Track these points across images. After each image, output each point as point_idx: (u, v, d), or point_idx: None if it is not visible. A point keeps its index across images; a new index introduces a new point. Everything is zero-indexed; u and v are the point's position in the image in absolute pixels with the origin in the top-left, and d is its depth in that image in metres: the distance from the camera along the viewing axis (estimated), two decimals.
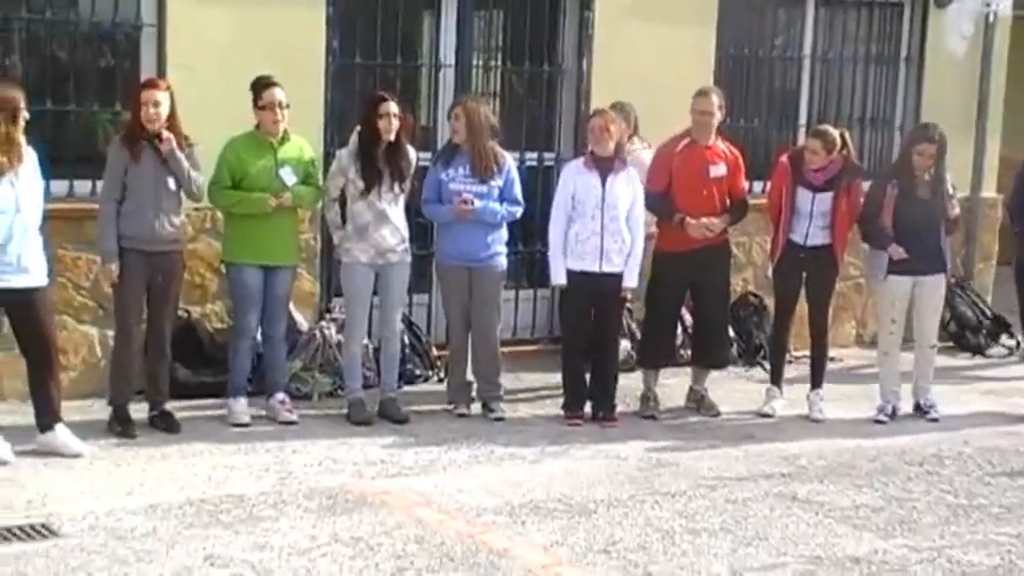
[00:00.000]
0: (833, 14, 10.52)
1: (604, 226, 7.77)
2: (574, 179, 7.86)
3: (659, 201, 8.08)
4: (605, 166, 7.82)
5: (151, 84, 7.28)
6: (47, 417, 6.83)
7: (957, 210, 8.24)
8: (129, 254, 7.20)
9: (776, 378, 8.52)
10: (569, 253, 7.83)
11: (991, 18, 10.69)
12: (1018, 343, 10.53)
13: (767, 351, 9.77)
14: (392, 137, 7.62)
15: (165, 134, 7.15)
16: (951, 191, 8.30)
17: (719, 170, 8.14)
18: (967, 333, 10.63)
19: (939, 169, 8.18)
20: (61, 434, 6.84)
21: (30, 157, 6.68)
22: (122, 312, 7.32)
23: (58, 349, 7.10)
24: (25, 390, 7.01)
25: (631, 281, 7.94)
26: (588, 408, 8.05)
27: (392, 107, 7.60)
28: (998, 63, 10.85)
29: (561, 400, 8.12)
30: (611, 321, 8.06)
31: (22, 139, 6.62)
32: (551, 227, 7.89)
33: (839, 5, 10.50)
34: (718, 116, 8.14)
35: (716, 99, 8.13)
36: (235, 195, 7.51)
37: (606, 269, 7.83)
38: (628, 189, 7.86)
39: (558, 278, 7.89)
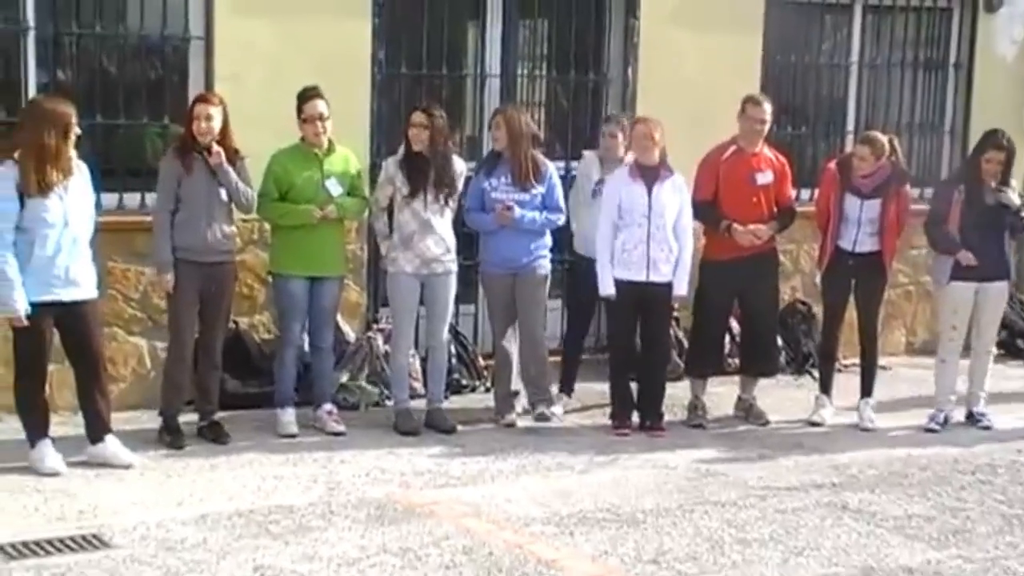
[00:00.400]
0: (881, 20, 10.45)
1: (651, 235, 7.74)
2: (619, 188, 7.84)
3: (706, 209, 8.05)
4: (651, 175, 7.79)
5: (203, 98, 7.33)
6: (97, 429, 6.88)
7: (1015, 199, 8.10)
8: (182, 265, 7.25)
9: (825, 386, 8.45)
10: (616, 263, 7.81)
11: None
12: None
13: (816, 359, 9.73)
14: (420, 147, 7.64)
15: (215, 148, 7.19)
16: (1017, 200, 8.19)
17: (766, 177, 8.10)
18: (1017, 341, 10.51)
19: (1006, 176, 8.10)
20: (111, 445, 6.89)
21: (81, 171, 6.74)
22: (176, 323, 7.36)
23: (106, 361, 7.15)
24: (75, 402, 7.06)
25: (681, 289, 7.90)
26: (636, 418, 8.01)
27: (419, 117, 7.63)
28: None
29: (608, 410, 8.09)
30: (659, 331, 8.02)
31: (73, 153, 6.68)
32: (598, 237, 7.87)
33: (887, 11, 10.42)
34: (767, 126, 8.11)
35: (769, 107, 8.10)
36: (281, 207, 7.55)
37: (653, 278, 7.79)
38: (675, 197, 7.83)
39: (606, 288, 7.86)
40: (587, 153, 8.50)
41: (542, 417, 7.95)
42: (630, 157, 7.98)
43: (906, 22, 10.51)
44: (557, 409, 8.11)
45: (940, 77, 10.69)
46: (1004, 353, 10.20)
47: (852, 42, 10.35)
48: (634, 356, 8.03)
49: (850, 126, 10.35)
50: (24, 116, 6.87)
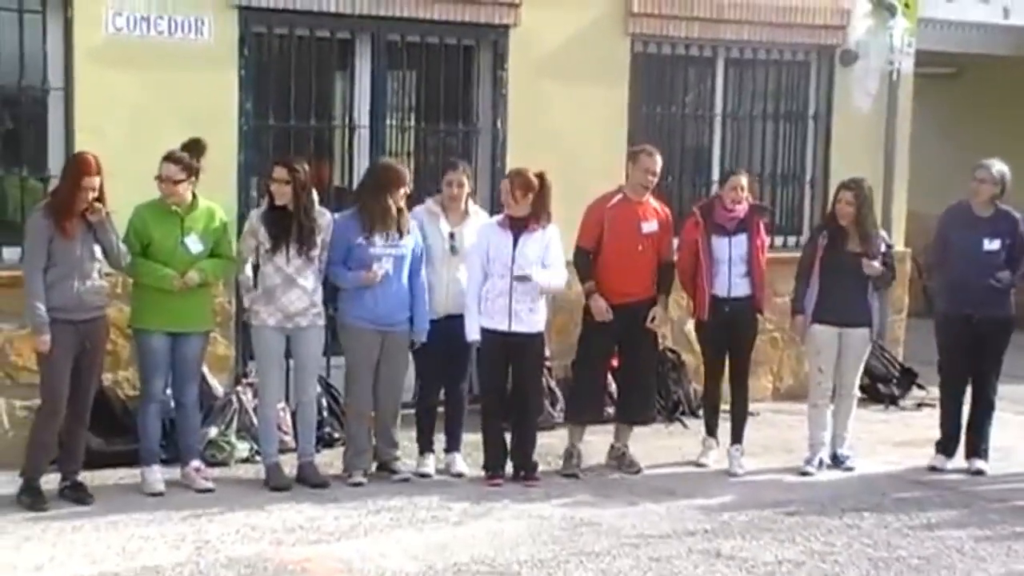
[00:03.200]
0: (743, 72, 10.69)
1: (513, 286, 7.77)
2: (488, 238, 7.86)
3: (584, 259, 8.12)
4: (519, 226, 7.83)
5: (90, 168, 7.01)
6: None
7: (875, 269, 8.30)
8: (56, 325, 7.04)
9: (712, 430, 8.57)
10: (482, 311, 7.82)
11: (895, 76, 10.91)
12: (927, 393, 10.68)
13: (685, 406, 9.86)
14: (282, 202, 7.55)
15: (96, 205, 7.03)
16: (882, 246, 8.40)
17: (651, 227, 8.20)
18: (877, 385, 10.77)
19: (865, 223, 8.30)
20: None
21: None
22: (50, 383, 7.12)
23: None
24: None
25: (538, 277, 7.76)
26: (509, 468, 7.99)
27: (280, 172, 7.54)
28: (903, 119, 11.08)
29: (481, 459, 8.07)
30: (528, 380, 8.03)
31: None
32: (468, 283, 7.87)
33: (748, 63, 10.66)
34: (655, 180, 8.21)
35: (660, 159, 8.21)
36: (142, 266, 7.39)
37: (515, 328, 7.80)
38: (539, 248, 7.83)
39: (472, 334, 7.86)
40: (429, 202, 8.10)
41: (398, 476, 7.86)
42: (473, 207, 7.97)
43: (767, 74, 10.77)
44: (430, 462, 8.05)
45: (800, 128, 10.96)
46: (866, 397, 10.43)
47: (716, 94, 10.57)
48: (506, 405, 8.02)
49: (715, 176, 10.53)
50: None
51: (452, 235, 7.96)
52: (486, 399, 8.05)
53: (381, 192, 7.69)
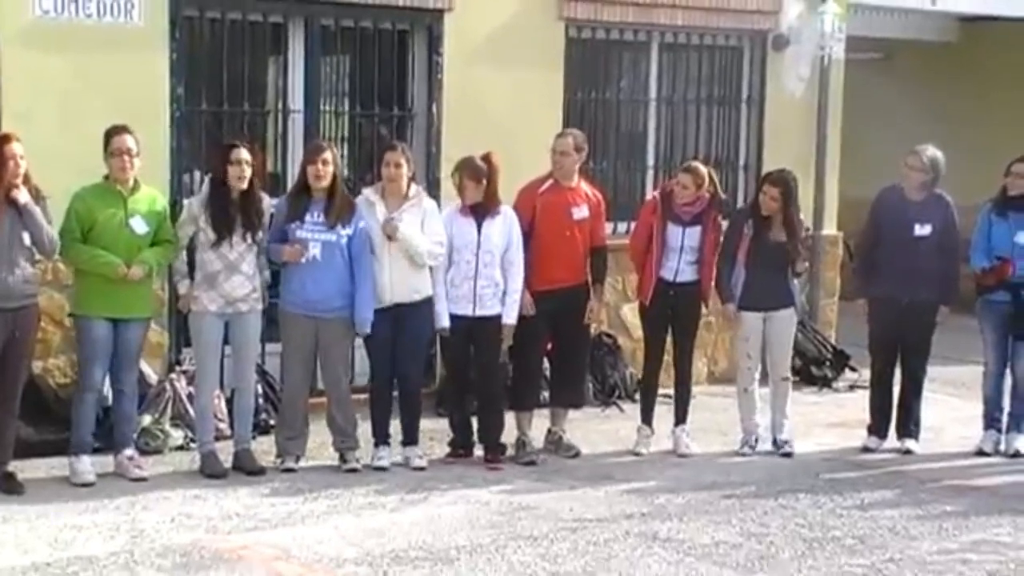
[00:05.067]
0: (676, 57, 10.73)
1: (478, 271, 7.80)
2: (451, 225, 7.86)
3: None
4: (480, 212, 7.84)
5: (8, 138, 6.95)
6: None
7: (804, 265, 8.55)
8: None
9: (647, 417, 8.60)
10: (448, 297, 7.85)
11: (826, 60, 11.00)
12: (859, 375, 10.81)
13: (622, 390, 9.90)
14: (244, 185, 7.49)
15: (20, 189, 6.91)
16: (803, 234, 8.51)
17: (582, 212, 8.23)
18: (810, 367, 10.89)
19: (788, 212, 8.37)
20: None
21: None
22: None
23: None
24: None
25: (510, 319, 7.94)
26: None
27: (243, 154, 7.47)
28: (834, 103, 11.19)
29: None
30: (491, 364, 8.04)
31: None
32: (435, 271, 7.84)
33: (682, 48, 10.71)
34: (575, 157, 8.23)
35: (572, 140, 8.23)
36: (86, 252, 7.28)
37: (480, 313, 7.85)
38: (503, 232, 7.89)
39: (441, 322, 7.86)
40: (367, 192, 7.97)
41: (347, 466, 7.80)
42: (414, 189, 7.92)
43: (700, 59, 10.82)
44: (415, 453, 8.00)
45: (734, 113, 11.03)
46: (800, 380, 10.54)
47: (650, 79, 10.60)
48: (469, 389, 8.08)
49: (650, 160, 10.59)
50: None
51: (390, 220, 7.74)
52: (451, 382, 8.07)
53: (302, 171, 7.66)
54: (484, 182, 7.85)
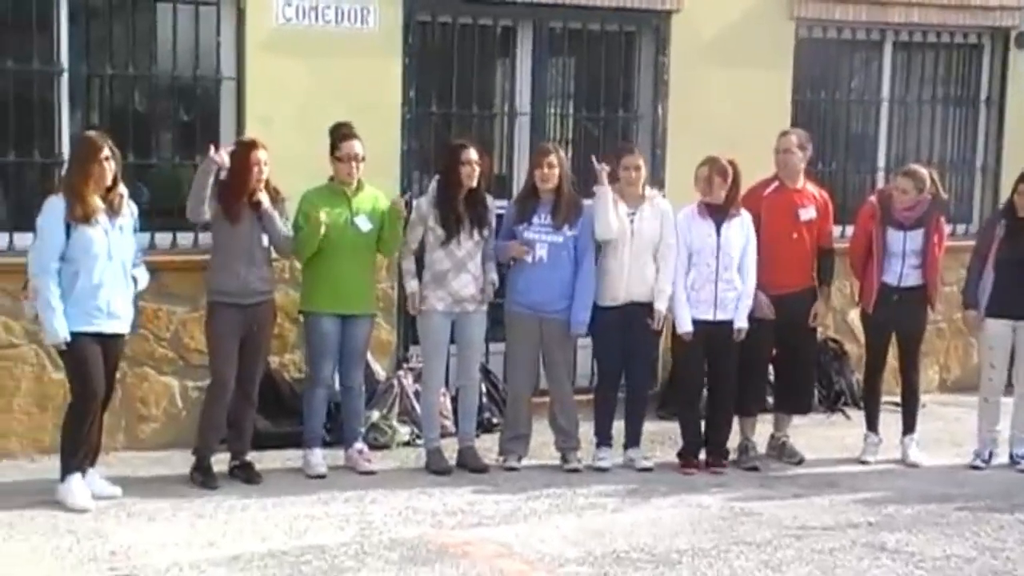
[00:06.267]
0: (911, 56, 10.43)
1: (719, 274, 7.75)
2: (688, 227, 7.83)
3: None
4: (719, 214, 7.79)
5: (256, 144, 7.28)
6: (89, 460, 6.93)
7: None
8: (224, 308, 7.27)
9: (873, 425, 8.39)
10: (688, 301, 7.82)
11: None
12: None
13: (847, 397, 9.67)
14: (473, 183, 7.63)
15: (262, 192, 7.24)
16: None
17: (809, 213, 8.10)
18: None
19: None
20: (93, 477, 6.94)
21: (130, 207, 6.89)
22: (218, 364, 7.33)
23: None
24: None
25: (741, 322, 7.87)
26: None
27: (472, 154, 7.61)
28: None
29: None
30: (726, 369, 7.97)
31: (122, 190, 6.83)
32: (672, 275, 7.81)
33: (917, 47, 10.40)
34: (799, 155, 8.10)
35: (795, 138, 8.11)
36: (301, 234, 7.47)
37: (720, 317, 7.80)
38: (741, 235, 7.83)
39: (684, 326, 7.82)
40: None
41: (569, 466, 7.84)
42: (651, 191, 7.88)
43: (936, 58, 10.48)
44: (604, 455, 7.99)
45: (971, 113, 10.65)
46: None
47: (883, 78, 10.33)
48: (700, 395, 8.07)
49: (881, 162, 10.32)
50: (72, 152, 7.09)
51: (632, 216, 7.79)
52: (685, 387, 8.06)
53: (530, 174, 7.80)
54: (729, 182, 7.78)
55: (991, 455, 8.26)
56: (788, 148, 8.07)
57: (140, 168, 8.02)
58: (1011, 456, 8.29)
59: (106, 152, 6.68)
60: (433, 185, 7.80)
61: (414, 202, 7.94)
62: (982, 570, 6.28)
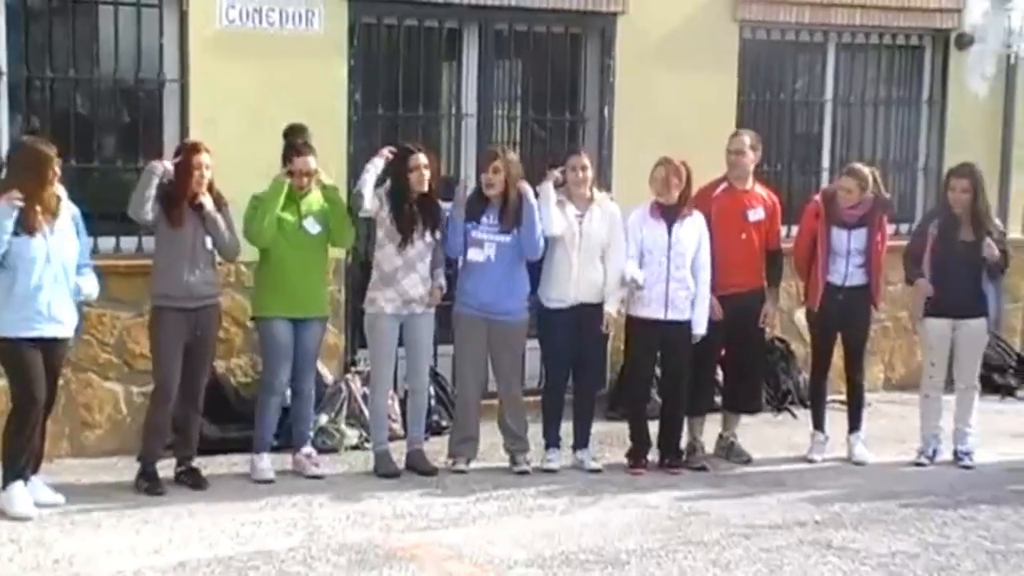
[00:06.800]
0: (854, 57, 10.51)
1: (670, 274, 7.77)
2: (641, 227, 7.84)
3: None
4: (671, 214, 7.81)
5: (199, 147, 7.24)
6: (31, 467, 6.85)
7: (995, 251, 8.08)
8: (167, 312, 7.21)
9: (819, 423, 8.45)
10: (635, 300, 7.82)
11: (1012, 59, 10.64)
12: None
13: (794, 396, 9.74)
14: (424, 188, 7.63)
15: (204, 196, 7.19)
16: (996, 234, 8.18)
17: (757, 214, 8.15)
18: (993, 375, 10.52)
19: (977, 208, 8.10)
20: (36, 485, 6.85)
21: (69, 212, 6.81)
22: (162, 369, 7.27)
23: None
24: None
25: (700, 328, 7.88)
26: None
27: (422, 159, 7.61)
28: (1021, 103, 10.80)
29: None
30: (678, 368, 7.98)
31: (62, 193, 6.75)
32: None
33: (859, 48, 10.49)
34: (751, 156, 8.15)
35: (748, 139, 8.15)
36: (254, 212, 7.43)
37: (672, 316, 7.81)
38: (694, 235, 7.85)
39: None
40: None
41: (518, 468, 7.85)
42: (599, 194, 7.90)
43: (879, 59, 10.59)
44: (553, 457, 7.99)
45: (913, 114, 10.75)
46: (981, 388, 10.19)
47: (826, 79, 10.42)
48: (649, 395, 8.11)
49: (825, 163, 10.41)
50: (10, 159, 6.97)
51: (580, 218, 7.80)
52: (635, 386, 8.08)
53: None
54: (683, 183, 7.80)
55: (935, 452, 8.34)
56: (740, 149, 8.11)
57: (82, 172, 7.94)
58: (955, 453, 8.37)
59: (56, 166, 6.64)
60: (386, 187, 7.76)
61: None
62: (927, 566, 6.34)
